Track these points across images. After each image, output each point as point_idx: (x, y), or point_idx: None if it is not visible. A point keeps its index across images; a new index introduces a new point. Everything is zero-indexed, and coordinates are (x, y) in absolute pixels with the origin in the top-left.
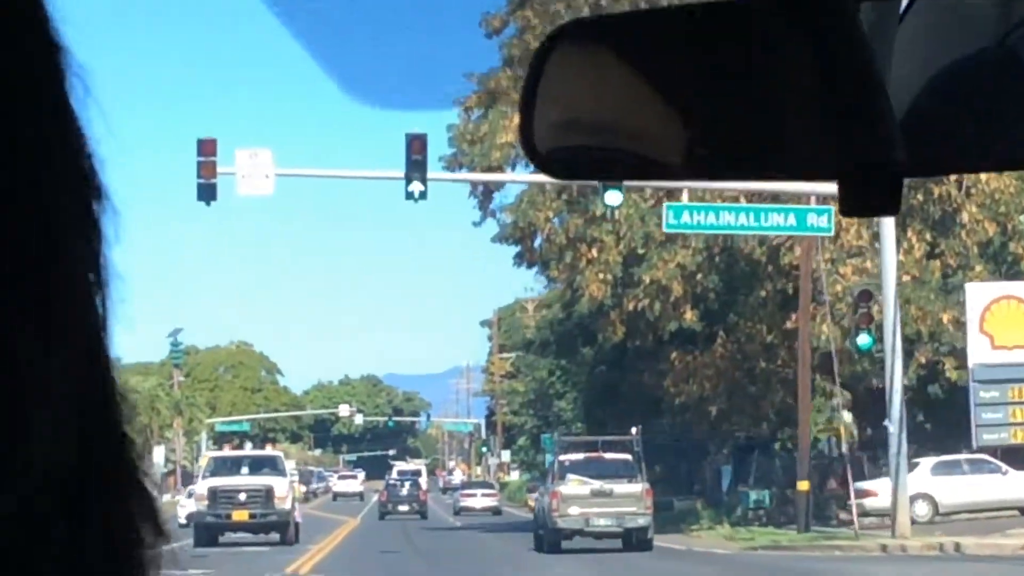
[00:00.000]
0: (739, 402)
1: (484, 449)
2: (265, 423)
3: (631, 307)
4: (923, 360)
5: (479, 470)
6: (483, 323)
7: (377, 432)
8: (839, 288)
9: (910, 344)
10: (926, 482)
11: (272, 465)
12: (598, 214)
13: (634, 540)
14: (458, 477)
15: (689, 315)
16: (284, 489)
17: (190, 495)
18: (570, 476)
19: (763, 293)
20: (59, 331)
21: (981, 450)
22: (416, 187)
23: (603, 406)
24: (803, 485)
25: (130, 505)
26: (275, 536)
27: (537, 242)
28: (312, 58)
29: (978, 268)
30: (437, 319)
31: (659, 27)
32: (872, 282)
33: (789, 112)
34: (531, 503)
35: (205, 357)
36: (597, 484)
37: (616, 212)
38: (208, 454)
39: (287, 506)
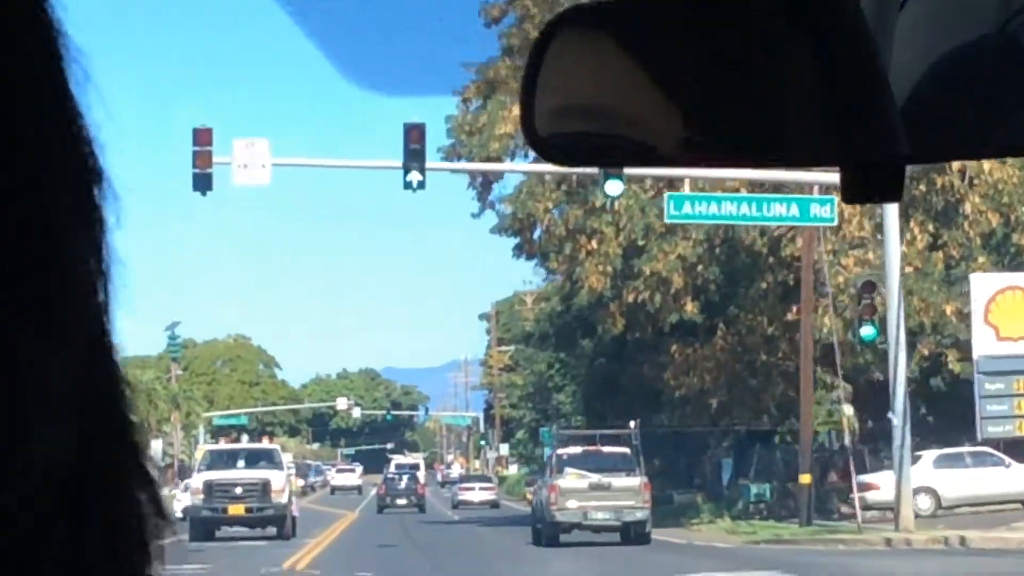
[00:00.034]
0: (740, 395)
1: (482, 443)
2: (263, 417)
3: (631, 299)
4: (926, 352)
5: (477, 464)
6: (481, 316)
7: (375, 426)
8: (841, 279)
9: (912, 336)
10: (928, 475)
11: (269, 458)
12: (598, 205)
13: (632, 534)
14: (456, 471)
15: (690, 307)
16: (281, 482)
17: (186, 489)
18: (568, 470)
19: (764, 285)
20: (59, 331)
21: (986, 442)
22: (414, 177)
23: (602, 399)
24: (805, 478)
25: (133, 493)
26: (272, 530)
27: (536, 233)
28: (311, 42)
29: (981, 259)
30: (435, 313)
31: (659, 14)
32: (875, 273)
33: (790, 100)
34: (529, 497)
35: (203, 351)
36: (595, 478)
37: (616, 203)
38: (204, 447)
39: (284, 500)
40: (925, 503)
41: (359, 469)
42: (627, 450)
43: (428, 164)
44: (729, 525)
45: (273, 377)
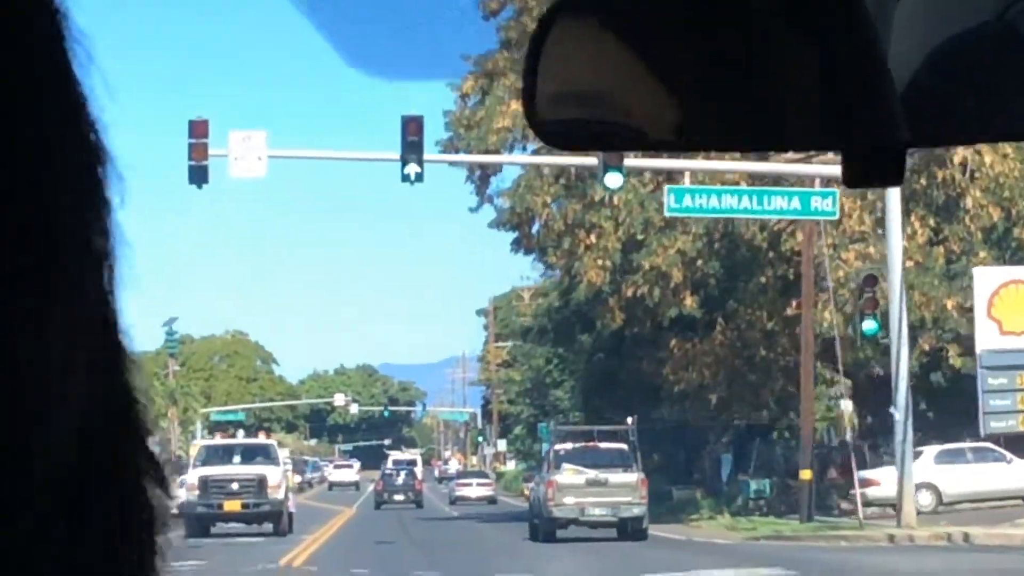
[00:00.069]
0: (739, 390)
1: (480, 439)
2: (260, 413)
3: (630, 293)
4: (927, 347)
5: (475, 460)
6: (479, 312)
7: (373, 422)
8: (841, 274)
9: (913, 331)
10: (929, 471)
11: (265, 454)
12: (597, 199)
13: (629, 529)
14: (454, 467)
15: (689, 301)
16: (277, 478)
17: (181, 484)
18: (565, 465)
19: (763, 279)
20: (59, 331)
21: (988, 438)
22: (412, 169)
23: (601, 394)
24: (806, 474)
25: (141, 490)
26: (268, 526)
27: (535, 228)
28: (309, 23)
29: (982, 254)
30: (433, 309)
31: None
32: (876, 267)
33: (790, 85)
34: (527, 492)
35: (200, 346)
36: (592, 474)
37: (615, 197)
38: (199, 442)
39: (280, 496)
40: (926, 499)
41: (356, 465)
42: (624, 446)
43: (426, 156)
44: (729, 521)
45: (271, 373)
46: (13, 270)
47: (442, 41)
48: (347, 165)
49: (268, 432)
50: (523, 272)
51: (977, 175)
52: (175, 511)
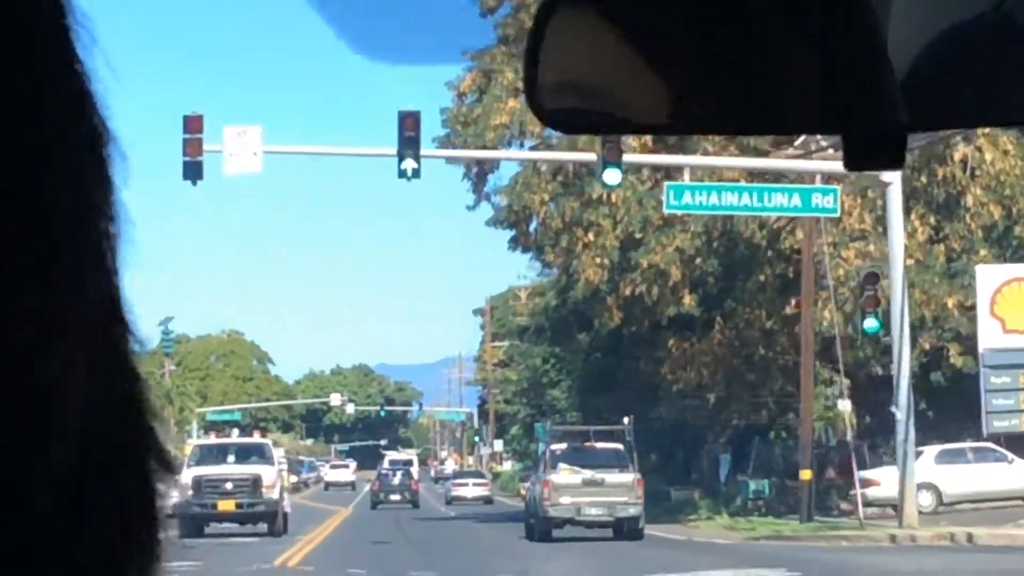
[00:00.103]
0: (738, 390)
1: (476, 439)
2: (256, 412)
3: (628, 292)
4: (927, 346)
5: (471, 460)
6: (475, 312)
7: (369, 422)
8: (841, 272)
9: (913, 330)
10: (930, 471)
11: (259, 453)
12: (595, 197)
13: (625, 529)
14: (450, 467)
15: (688, 300)
16: (272, 478)
17: (175, 484)
18: (562, 465)
19: (762, 278)
20: (59, 330)
21: (990, 438)
22: (409, 165)
23: (598, 394)
24: (805, 474)
25: (145, 488)
26: (263, 527)
27: (532, 226)
28: (312, 10)
29: (983, 252)
30: (429, 308)
31: None
32: (877, 265)
33: (791, 68)
34: (523, 492)
35: (196, 346)
36: (588, 474)
37: (613, 195)
38: (193, 442)
39: (275, 495)
40: (926, 499)
41: (353, 465)
42: (620, 446)
43: (423, 152)
44: (728, 521)
45: (267, 373)
46: (13, 270)
47: (444, 26)
48: (343, 163)
49: (263, 432)
50: (520, 271)
51: (978, 173)
52: (169, 511)
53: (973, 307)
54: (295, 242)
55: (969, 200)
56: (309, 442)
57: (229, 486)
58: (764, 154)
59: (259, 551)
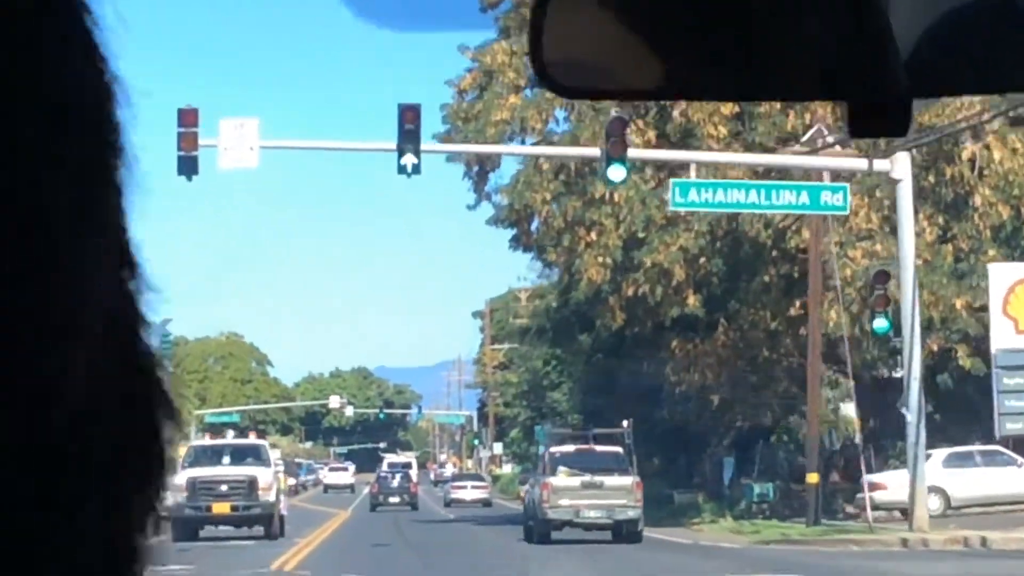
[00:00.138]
0: (741, 392)
1: (476, 442)
2: (255, 415)
3: (631, 292)
4: (935, 348)
5: (470, 463)
6: (475, 314)
7: (368, 425)
8: (848, 272)
9: (921, 331)
10: (938, 475)
11: (255, 454)
12: (597, 196)
13: (624, 532)
14: (449, 470)
15: (691, 300)
16: (268, 480)
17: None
18: (561, 468)
19: (767, 278)
20: (59, 331)
21: (1004, 440)
22: (409, 160)
23: (600, 396)
24: (812, 477)
25: (147, 487)
26: (259, 530)
27: (534, 225)
28: None
29: (991, 252)
30: (428, 311)
31: None
32: (885, 263)
33: (795, 33)
34: (523, 495)
35: (195, 348)
36: (588, 476)
37: (616, 194)
38: (187, 443)
39: (271, 498)
40: (934, 503)
41: (352, 468)
42: (620, 449)
43: (423, 146)
44: (733, 525)
45: (265, 375)
46: (13, 270)
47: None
48: (343, 161)
49: (261, 433)
50: (519, 273)
51: (986, 172)
52: (163, 513)
53: (981, 308)
54: (293, 243)
55: (977, 200)
56: (308, 445)
57: (224, 488)
58: (770, 151)
59: (255, 555)
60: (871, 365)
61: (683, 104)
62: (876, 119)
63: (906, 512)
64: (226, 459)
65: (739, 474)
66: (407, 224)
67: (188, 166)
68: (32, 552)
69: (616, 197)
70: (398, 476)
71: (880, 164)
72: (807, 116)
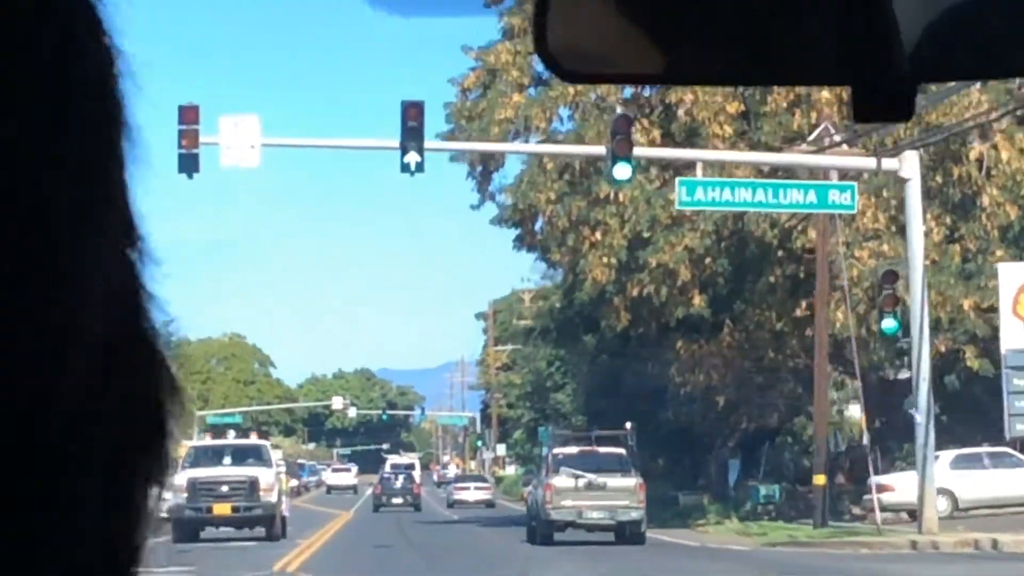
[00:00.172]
0: (747, 393)
1: (479, 443)
2: (258, 416)
3: (635, 293)
4: (942, 348)
5: (473, 464)
6: (478, 315)
7: (371, 426)
8: (855, 272)
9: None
10: (945, 476)
11: (257, 455)
12: (602, 196)
13: (627, 533)
14: (452, 471)
15: (697, 300)
16: (269, 480)
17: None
18: (564, 469)
19: (772, 278)
20: (59, 331)
21: (1014, 441)
22: (412, 158)
23: (604, 397)
24: (819, 479)
25: (145, 488)
26: (260, 531)
27: (538, 225)
28: None
29: (999, 252)
30: (432, 312)
31: None
32: (893, 262)
33: (799, 17)
34: (526, 496)
35: (197, 349)
36: (590, 477)
37: (621, 194)
38: (188, 443)
39: (273, 499)
40: (942, 504)
41: (354, 469)
42: (623, 450)
43: (426, 144)
44: (739, 526)
45: (268, 376)
46: (13, 270)
47: None
48: (345, 160)
49: (264, 434)
50: (523, 274)
51: (994, 172)
52: (163, 514)
53: (989, 309)
54: (295, 243)
55: (985, 200)
56: (311, 446)
57: (225, 489)
58: (776, 151)
59: (256, 556)
60: (877, 366)
61: (688, 103)
62: (880, 104)
63: (913, 514)
64: (227, 459)
65: (744, 475)
66: (410, 224)
67: (189, 164)
68: (32, 552)
69: (621, 197)
70: (401, 477)
71: (888, 163)
72: (813, 115)
